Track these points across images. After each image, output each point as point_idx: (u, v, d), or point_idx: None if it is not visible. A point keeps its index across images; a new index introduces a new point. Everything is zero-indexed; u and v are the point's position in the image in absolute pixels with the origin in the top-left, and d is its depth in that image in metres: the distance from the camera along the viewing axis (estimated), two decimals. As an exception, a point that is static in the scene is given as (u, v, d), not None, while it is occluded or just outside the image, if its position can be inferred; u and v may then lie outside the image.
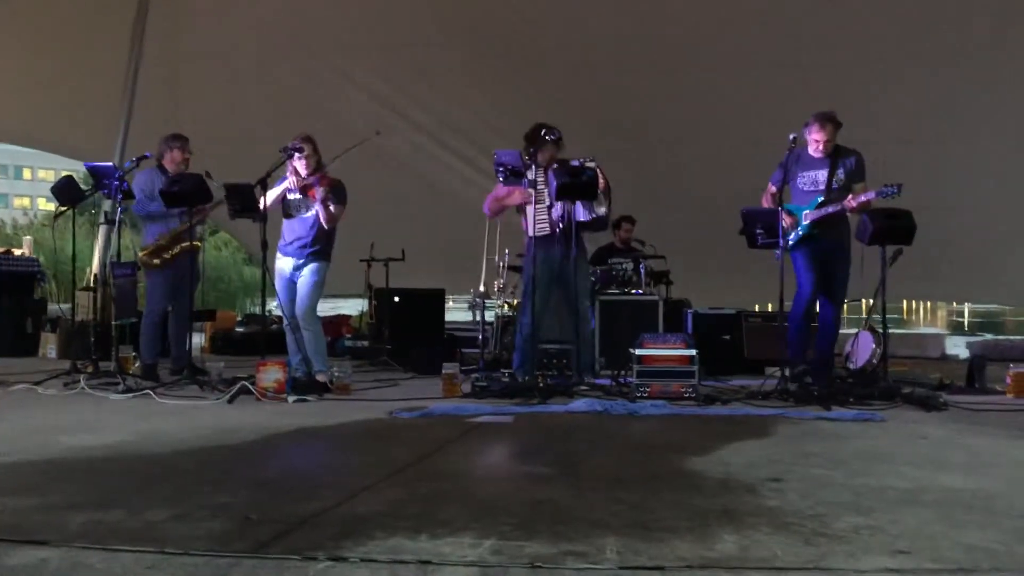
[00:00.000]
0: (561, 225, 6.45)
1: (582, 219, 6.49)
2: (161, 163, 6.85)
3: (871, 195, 5.92)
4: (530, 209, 6.54)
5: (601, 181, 6.36)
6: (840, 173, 6.14)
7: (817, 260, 6.18)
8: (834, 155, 6.16)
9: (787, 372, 5.87)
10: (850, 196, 6.00)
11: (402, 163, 10.69)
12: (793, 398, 5.54)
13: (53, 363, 7.71)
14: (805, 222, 6.14)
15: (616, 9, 8.81)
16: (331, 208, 6.18)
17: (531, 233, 6.57)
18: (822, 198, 6.11)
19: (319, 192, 6.13)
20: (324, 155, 6.31)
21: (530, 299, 6.45)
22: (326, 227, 6.21)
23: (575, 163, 6.22)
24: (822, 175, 6.16)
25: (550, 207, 6.50)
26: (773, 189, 6.27)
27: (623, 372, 6.13)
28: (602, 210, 6.53)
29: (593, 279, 7.84)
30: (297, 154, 6.15)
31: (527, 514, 2.68)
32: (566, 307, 6.56)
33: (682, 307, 8.46)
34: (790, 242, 6.17)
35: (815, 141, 6.15)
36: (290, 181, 6.22)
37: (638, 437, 4.41)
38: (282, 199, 6.27)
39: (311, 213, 6.23)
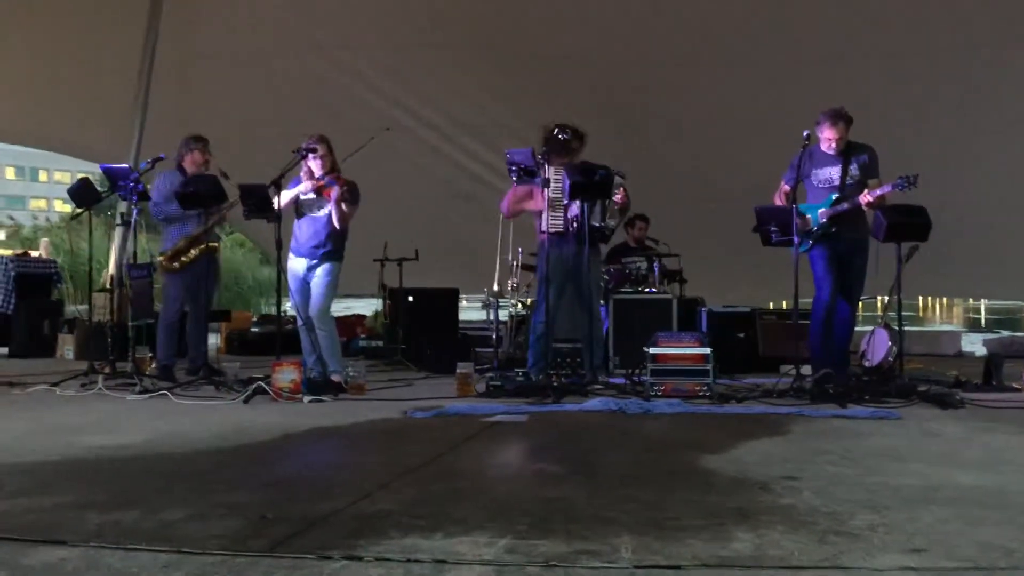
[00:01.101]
0: (575, 225, 6.43)
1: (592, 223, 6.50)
2: (181, 164, 6.88)
3: (887, 188, 5.87)
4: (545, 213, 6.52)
5: (620, 197, 6.37)
6: (853, 169, 6.10)
7: (836, 260, 6.13)
8: (847, 151, 6.13)
9: (809, 375, 5.85)
10: (866, 191, 5.96)
11: (415, 163, 10.71)
12: (808, 396, 5.52)
13: (70, 364, 7.75)
14: (822, 220, 6.10)
15: (627, 6, 8.80)
16: (345, 208, 6.18)
17: (544, 228, 6.55)
18: (837, 195, 6.08)
19: (335, 192, 6.12)
20: (338, 156, 6.31)
21: (544, 298, 6.44)
22: (338, 227, 6.20)
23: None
24: (836, 172, 6.13)
25: (566, 205, 6.47)
26: (787, 188, 6.25)
27: (637, 371, 6.12)
28: (612, 223, 6.55)
29: (607, 278, 7.83)
30: (311, 154, 6.15)
31: (541, 513, 2.68)
32: (579, 306, 6.55)
33: (696, 305, 8.43)
34: (808, 243, 6.14)
35: (827, 139, 6.10)
36: (304, 184, 6.21)
37: (652, 436, 4.41)
38: (296, 200, 6.27)
39: (324, 213, 6.23)
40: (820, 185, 6.17)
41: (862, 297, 6.48)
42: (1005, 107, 8.82)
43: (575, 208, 6.42)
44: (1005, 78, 8.61)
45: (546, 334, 6.33)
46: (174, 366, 6.76)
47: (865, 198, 5.91)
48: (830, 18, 8.40)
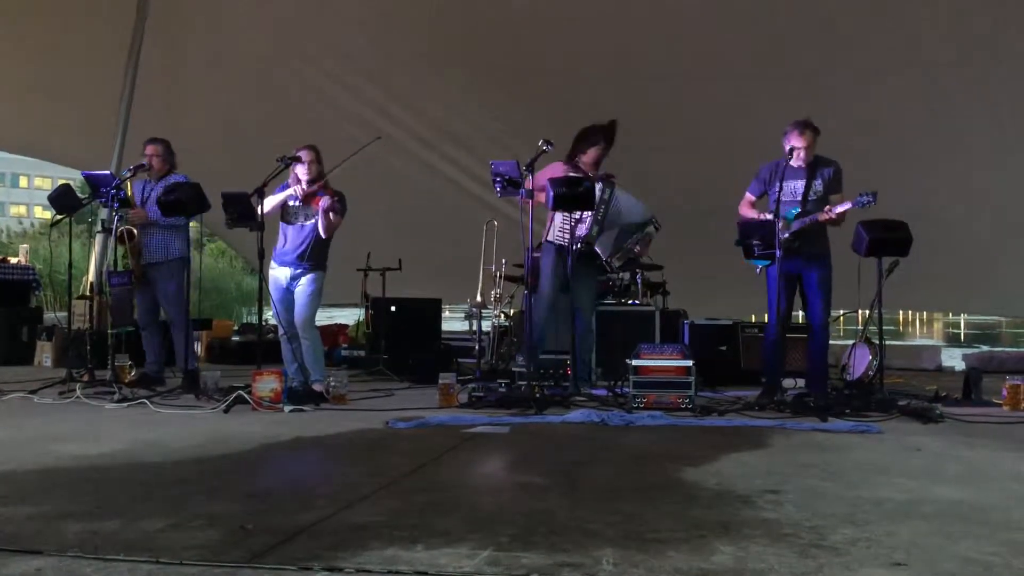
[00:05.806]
0: (579, 244, 6.43)
1: (599, 252, 6.64)
2: None
3: (847, 205, 5.87)
4: (558, 216, 6.56)
5: (640, 250, 6.78)
6: (818, 184, 6.09)
7: (789, 280, 6.05)
8: (813, 165, 6.10)
9: (791, 389, 5.88)
10: (827, 207, 5.96)
11: (399, 173, 10.70)
12: (790, 409, 5.54)
13: (49, 372, 7.69)
14: (783, 235, 6.04)
15: (613, 20, 8.83)
16: (332, 218, 6.16)
17: (549, 237, 6.60)
18: (799, 209, 6.06)
19: (324, 201, 6.09)
20: (327, 165, 6.29)
21: (541, 299, 6.45)
22: (324, 236, 6.19)
23: (616, 197, 6.54)
24: (800, 185, 6.10)
25: (578, 220, 6.48)
26: (752, 198, 6.28)
27: (619, 382, 6.12)
28: (615, 263, 6.78)
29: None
30: (297, 163, 6.14)
31: (523, 525, 2.67)
32: (569, 317, 6.54)
33: (679, 318, 8.45)
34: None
35: (796, 149, 6.06)
36: (294, 189, 6.19)
37: (634, 448, 4.40)
38: (282, 207, 6.25)
39: (310, 222, 6.21)
40: (784, 198, 6.11)
41: (843, 312, 6.48)
42: (985, 124, 8.89)
43: (586, 227, 6.45)
44: (987, 92, 8.67)
45: (532, 344, 6.32)
46: (155, 374, 6.71)
47: (829, 214, 5.90)
48: (818, 33, 8.45)
